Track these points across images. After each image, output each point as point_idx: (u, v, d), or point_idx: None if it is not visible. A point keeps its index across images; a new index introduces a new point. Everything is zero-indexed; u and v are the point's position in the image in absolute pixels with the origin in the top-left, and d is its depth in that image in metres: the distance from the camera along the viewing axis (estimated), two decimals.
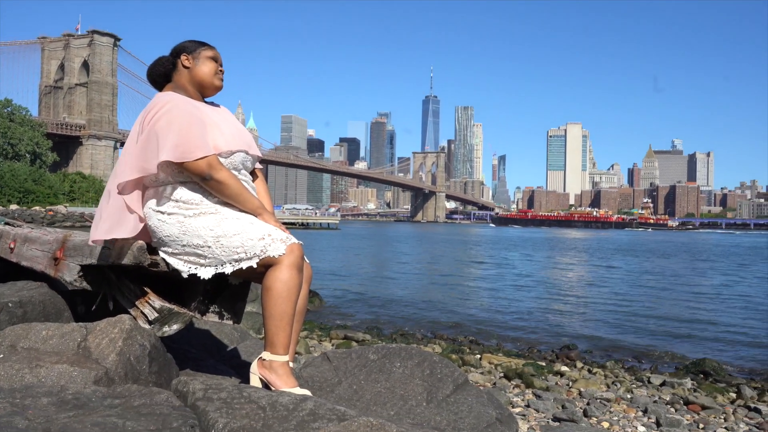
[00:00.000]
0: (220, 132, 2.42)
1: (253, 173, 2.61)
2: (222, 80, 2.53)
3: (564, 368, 8.03)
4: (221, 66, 2.55)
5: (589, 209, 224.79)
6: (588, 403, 6.04)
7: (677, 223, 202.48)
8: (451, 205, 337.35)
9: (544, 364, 8.21)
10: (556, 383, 7.08)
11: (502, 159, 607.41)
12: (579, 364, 8.41)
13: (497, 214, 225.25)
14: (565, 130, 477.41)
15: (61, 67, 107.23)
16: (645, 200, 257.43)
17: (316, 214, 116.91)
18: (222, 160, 2.38)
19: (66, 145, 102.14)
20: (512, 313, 13.64)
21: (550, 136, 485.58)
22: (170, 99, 2.37)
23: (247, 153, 2.51)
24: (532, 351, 9.45)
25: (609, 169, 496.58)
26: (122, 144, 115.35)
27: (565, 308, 14.49)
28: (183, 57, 2.51)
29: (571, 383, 7.14)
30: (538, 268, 27.23)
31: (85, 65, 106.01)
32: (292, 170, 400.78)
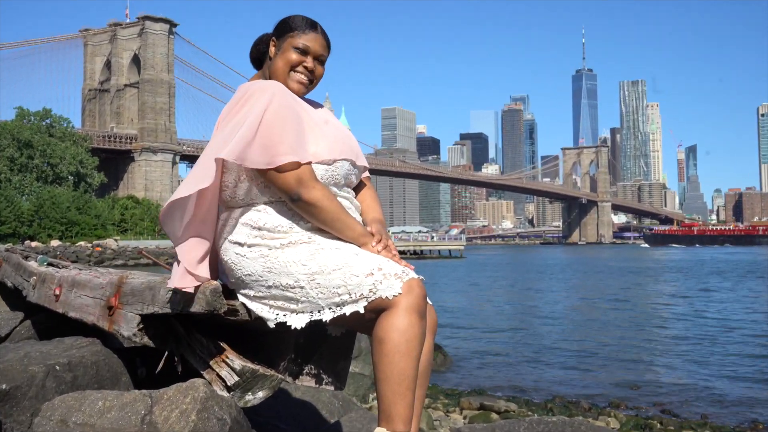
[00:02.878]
0: (321, 134, 2.50)
1: (359, 183, 2.69)
2: (302, 82, 2.57)
3: None
4: (315, 59, 2.59)
5: None
6: None
7: None
8: (620, 218, 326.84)
9: None
10: None
11: (691, 151, 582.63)
12: None
13: (651, 230, 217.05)
14: None
15: (108, 65, 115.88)
16: None
17: (432, 238, 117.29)
18: (320, 170, 2.45)
19: (115, 161, 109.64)
20: (718, 370, 12.93)
21: (762, 115, 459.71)
22: (259, 88, 2.45)
23: (353, 164, 2.58)
24: (756, 427, 8.87)
25: None
26: (183, 158, 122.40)
27: None
28: (271, 41, 2.64)
29: None
30: (740, 306, 25.69)
31: (136, 61, 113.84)
32: (398, 180, 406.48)
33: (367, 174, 2.74)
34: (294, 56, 2.55)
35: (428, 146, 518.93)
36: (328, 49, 2.63)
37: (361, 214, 2.60)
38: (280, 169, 2.34)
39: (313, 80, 2.60)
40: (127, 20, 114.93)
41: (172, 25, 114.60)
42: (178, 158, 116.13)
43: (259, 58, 2.71)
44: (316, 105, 2.68)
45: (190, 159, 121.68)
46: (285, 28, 2.60)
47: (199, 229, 2.46)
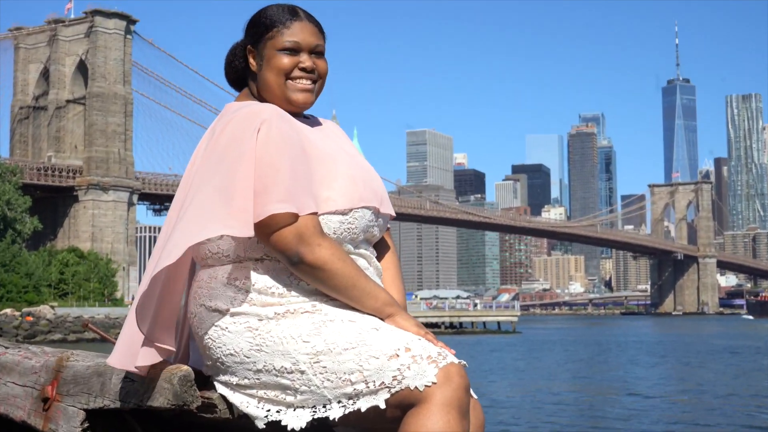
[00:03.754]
0: (334, 172, 2.50)
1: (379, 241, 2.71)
2: (306, 89, 2.60)
3: None
4: (310, 54, 2.60)
5: None
6: None
7: None
8: (728, 280, 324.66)
9: None
10: None
11: None
12: None
13: (756, 297, 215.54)
14: None
15: (45, 74, 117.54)
16: None
17: (475, 306, 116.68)
18: (333, 222, 2.46)
19: (53, 202, 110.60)
20: None
21: None
22: (250, 112, 2.45)
23: (377, 212, 2.59)
24: None
25: None
26: (143, 198, 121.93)
27: None
28: (248, 51, 2.65)
29: None
30: None
31: (82, 69, 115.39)
32: (428, 228, 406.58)
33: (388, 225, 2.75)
34: (285, 60, 2.56)
35: (469, 182, 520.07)
36: (323, 34, 2.65)
37: None
38: (272, 223, 2.33)
39: (317, 80, 2.62)
40: (71, 16, 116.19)
41: (130, 21, 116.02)
42: (135, 198, 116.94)
43: (239, 77, 2.73)
44: (324, 127, 2.70)
45: (152, 199, 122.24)
46: (259, 28, 2.61)
47: (164, 296, 2.45)
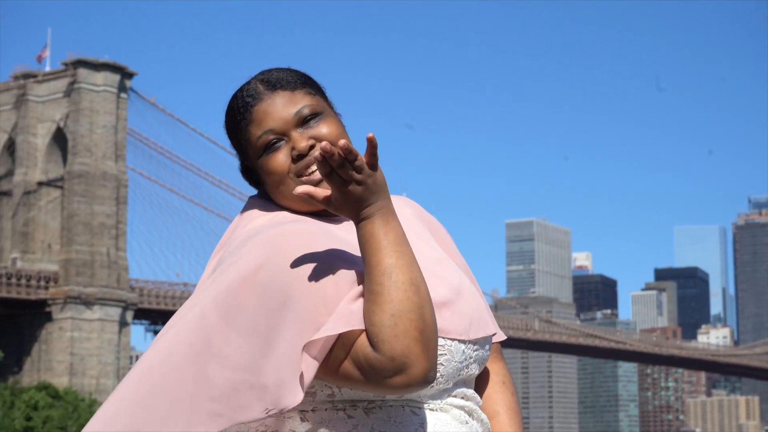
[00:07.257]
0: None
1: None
2: (315, 184, 2.38)
3: None
4: (298, 127, 2.48)
5: None
6: None
7: None
8: None
9: None
10: None
11: None
12: None
13: None
14: None
15: (10, 148, 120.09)
16: None
17: None
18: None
19: (17, 322, 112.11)
20: None
21: None
22: (252, 248, 2.32)
23: (477, 348, 2.50)
24: None
25: None
26: (140, 315, 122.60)
27: None
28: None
29: None
30: None
31: (60, 140, 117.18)
32: (538, 357, 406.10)
33: (500, 336, 2.70)
34: (274, 162, 2.46)
35: (595, 293, 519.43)
36: (304, 85, 2.53)
37: None
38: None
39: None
40: (46, 68, 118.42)
41: (126, 75, 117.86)
42: (130, 315, 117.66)
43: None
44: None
45: (152, 317, 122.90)
46: (232, 139, 2.59)
47: None
